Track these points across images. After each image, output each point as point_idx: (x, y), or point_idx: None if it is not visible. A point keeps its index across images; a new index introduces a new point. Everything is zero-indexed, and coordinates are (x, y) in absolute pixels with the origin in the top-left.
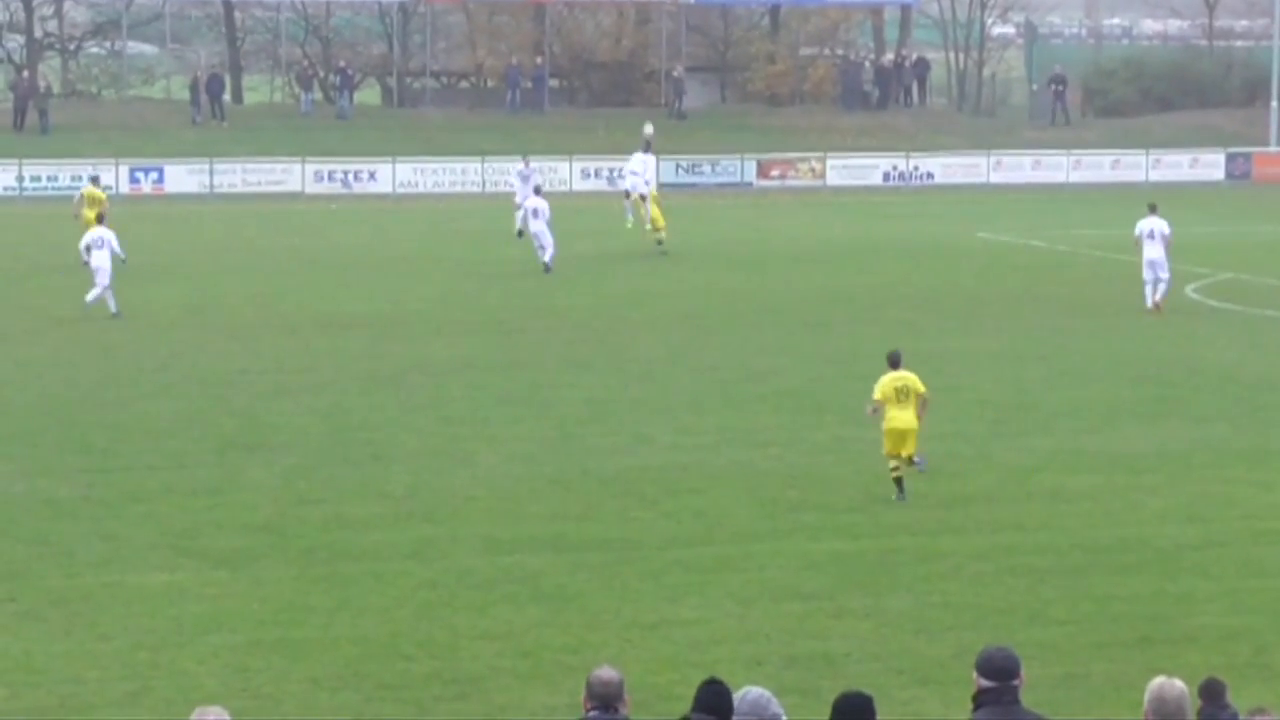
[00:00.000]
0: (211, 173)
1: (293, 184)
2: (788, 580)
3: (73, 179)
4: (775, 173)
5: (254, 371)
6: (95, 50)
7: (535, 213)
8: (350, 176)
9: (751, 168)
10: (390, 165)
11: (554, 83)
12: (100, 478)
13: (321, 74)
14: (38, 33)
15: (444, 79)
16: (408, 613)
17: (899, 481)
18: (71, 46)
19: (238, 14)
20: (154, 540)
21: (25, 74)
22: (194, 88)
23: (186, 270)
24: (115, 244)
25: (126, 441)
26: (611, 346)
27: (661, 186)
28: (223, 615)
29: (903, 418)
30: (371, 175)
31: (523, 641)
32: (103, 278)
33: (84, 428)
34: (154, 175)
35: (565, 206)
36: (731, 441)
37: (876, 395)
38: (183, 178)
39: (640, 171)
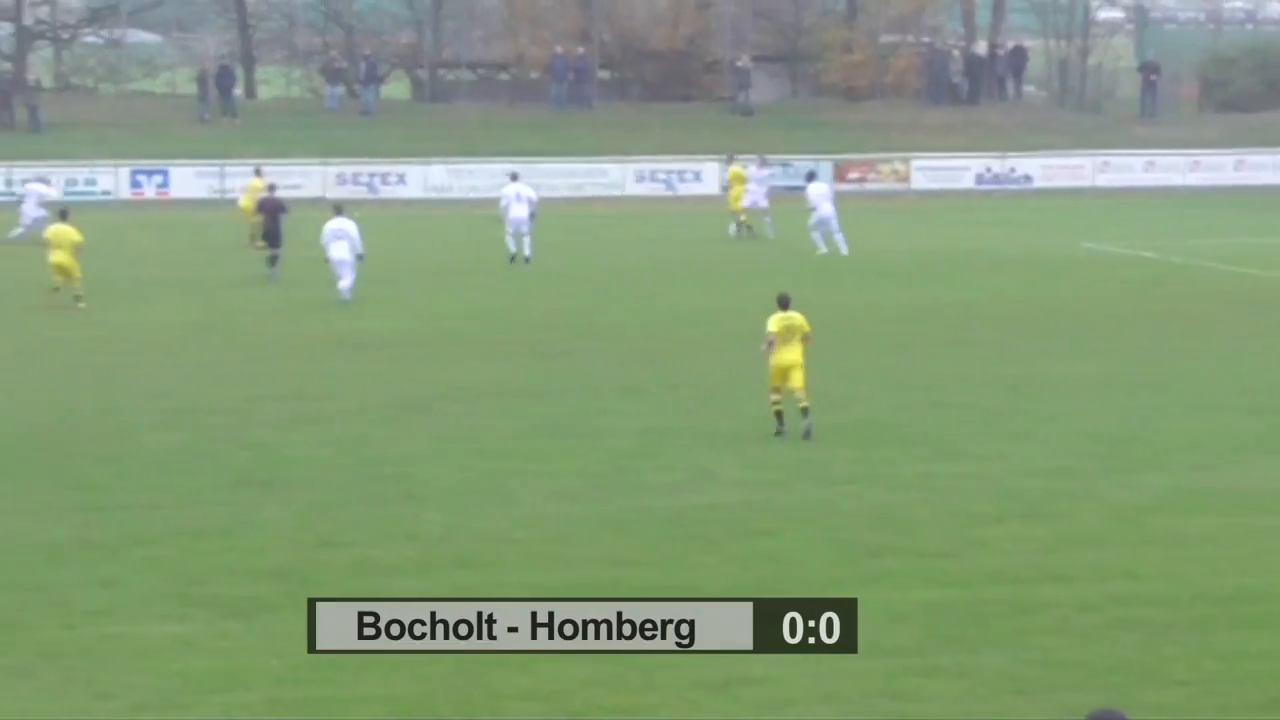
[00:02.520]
0: (222, 176)
1: (312, 188)
2: (869, 634)
3: (67, 182)
4: (853, 175)
5: (269, 398)
6: (91, 39)
7: (518, 196)
8: (376, 180)
9: (827, 170)
10: (421, 167)
11: (603, 75)
12: (98, 517)
13: (343, 65)
14: (28, 20)
15: (480, 71)
16: (442, 669)
17: (779, 415)
18: (65, 35)
19: None
20: (158, 587)
21: (11, 66)
22: (202, 81)
23: (194, 285)
24: (356, 236)
25: (127, 477)
26: (668, 369)
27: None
28: (236, 671)
29: (788, 354)
30: (400, 178)
31: (571, 702)
32: (343, 270)
33: (80, 461)
34: (158, 179)
35: (616, 213)
36: (805, 478)
37: (770, 328)
38: (190, 181)
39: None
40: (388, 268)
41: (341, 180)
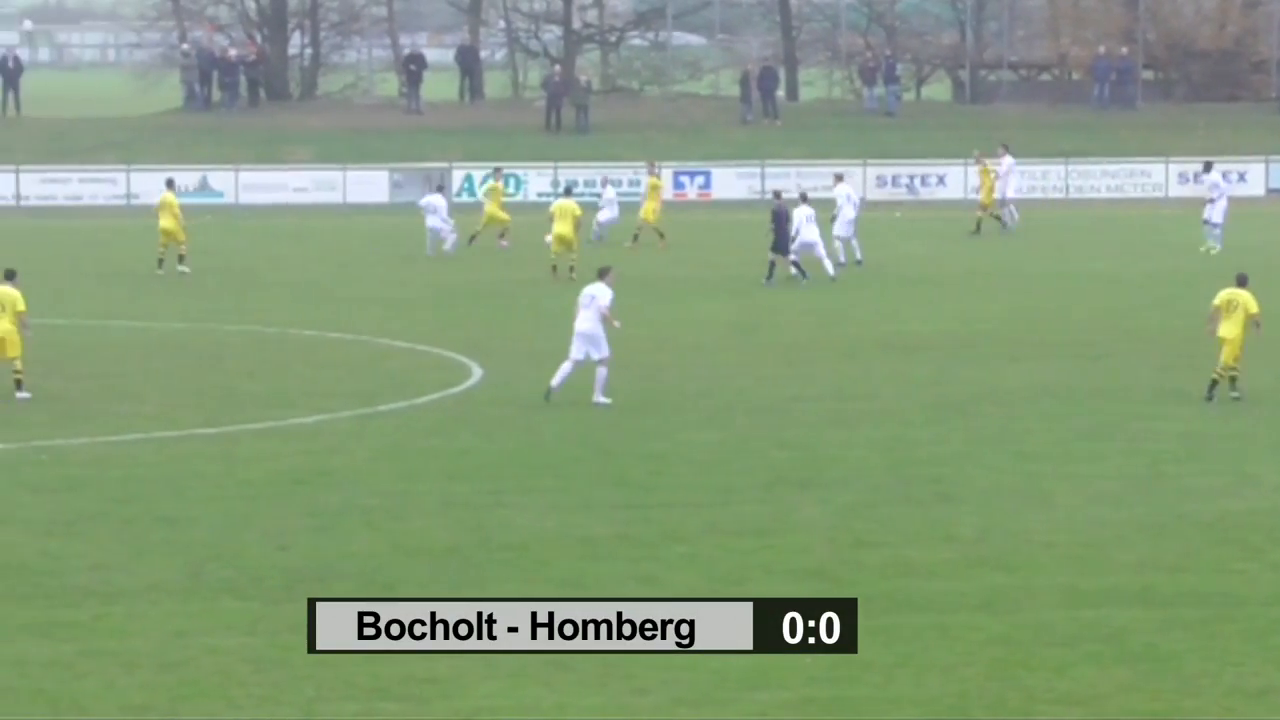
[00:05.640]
0: (763, 177)
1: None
2: None
3: (611, 183)
4: None
5: (807, 398)
6: (638, 42)
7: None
8: (916, 181)
9: None
10: (961, 168)
11: (1147, 75)
12: (638, 514)
13: (885, 66)
14: (576, 24)
15: (1022, 71)
16: (976, 672)
17: (1212, 383)
18: (612, 39)
19: (793, 0)
20: (695, 584)
21: (557, 68)
22: (744, 82)
23: (734, 285)
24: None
25: (667, 475)
26: (1209, 373)
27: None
28: (770, 670)
29: (1225, 326)
30: (940, 179)
31: (1107, 707)
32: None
33: (621, 459)
34: (700, 179)
35: (1158, 215)
36: None
37: (1215, 302)
38: (731, 182)
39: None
40: (927, 269)
41: (881, 182)
